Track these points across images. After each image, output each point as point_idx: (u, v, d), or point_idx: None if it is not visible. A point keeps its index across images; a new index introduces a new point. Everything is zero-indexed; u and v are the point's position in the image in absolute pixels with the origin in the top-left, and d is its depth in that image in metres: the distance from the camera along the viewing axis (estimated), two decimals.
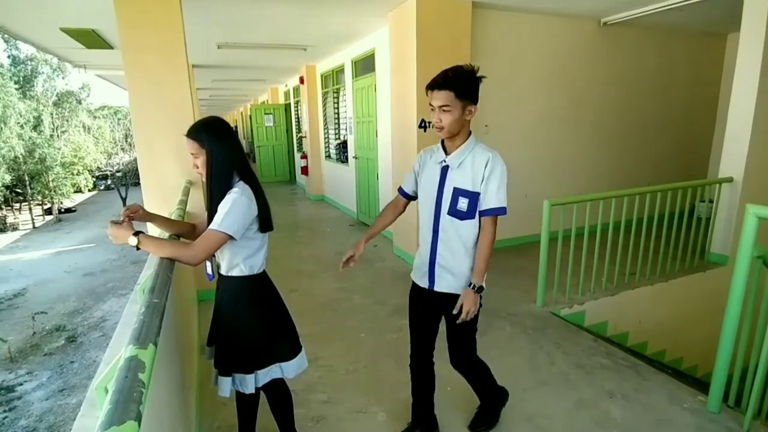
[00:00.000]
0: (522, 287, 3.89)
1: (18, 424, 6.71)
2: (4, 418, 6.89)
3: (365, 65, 5.93)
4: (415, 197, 1.92)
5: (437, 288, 1.80)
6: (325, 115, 8.31)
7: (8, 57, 24.00)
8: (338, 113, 7.54)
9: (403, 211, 2.01)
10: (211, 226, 1.49)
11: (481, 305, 1.76)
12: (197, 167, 1.59)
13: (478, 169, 1.65)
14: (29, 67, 24.22)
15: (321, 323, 3.39)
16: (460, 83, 1.57)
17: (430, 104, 1.62)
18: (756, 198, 3.77)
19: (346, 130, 7.10)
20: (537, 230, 3.58)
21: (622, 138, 5.69)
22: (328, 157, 8.33)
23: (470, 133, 1.71)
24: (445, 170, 1.72)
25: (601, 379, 2.58)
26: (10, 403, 7.25)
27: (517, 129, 4.95)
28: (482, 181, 1.65)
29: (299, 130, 10.29)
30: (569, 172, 5.39)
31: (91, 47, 5.21)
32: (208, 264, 1.65)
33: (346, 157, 7.12)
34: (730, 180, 3.89)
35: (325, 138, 8.47)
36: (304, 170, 9.17)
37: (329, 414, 2.32)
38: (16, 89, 21.88)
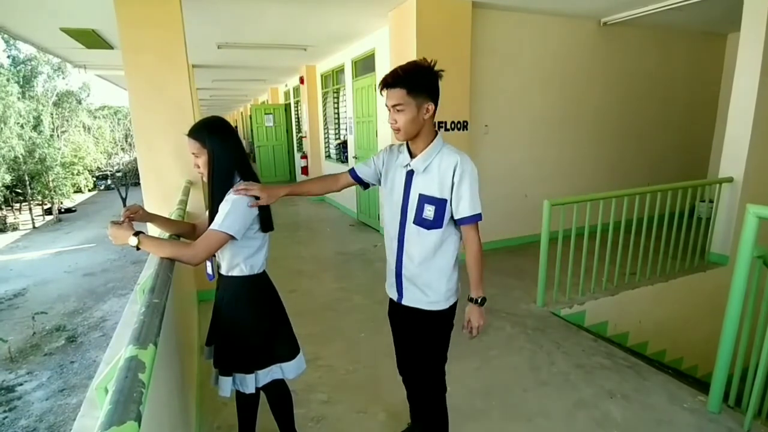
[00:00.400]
0: (522, 287, 3.89)
1: (18, 424, 6.71)
2: (4, 419, 6.89)
3: (365, 65, 5.93)
4: (365, 185, 1.79)
5: (404, 302, 1.68)
6: (325, 115, 8.31)
7: (8, 57, 24.01)
8: (338, 113, 7.53)
9: (338, 191, 1.83)
10: (212, 226, 1.49)
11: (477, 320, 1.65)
12: (198, 167, 1.59)
13: (446, 174, 1.51)
14: (29, 67, 24.22)
15: (321, 323, 3.38)
16: (412, 80, 1.45)
17: (386, 104, 1.51)
18: (756, 198, 3.77)
19: (346, 130, 7.10)
20: (537, 230, 3.58)
21: (622, 138, 5.69)
22: (328, 157, 8.33)
23: (436, 133, 1.57)
24: (410, 175, 1.58)
25: (601, 379, 2.58)
26: (10, 403, 7.25)
27: (516, 129, 4.95)
28: (452, 187, 1.51)
29: (299, 130, 10.29)
30: (569, 171, 5.39)
31: (91, 47, 5.21)
32: (209, 264, 1.65)
33: (346, 157, 7.12)
34: (730, 180, 3.89)
35: (325, 138, 8.47)
36: (305, 170, 9.17)
37: (329, 414, 2.32)
38: (18, 89, 21.89)
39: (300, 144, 10.09)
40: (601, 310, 3.59)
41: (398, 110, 1.48)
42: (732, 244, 3.93)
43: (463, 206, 1.52)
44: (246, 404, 1.89)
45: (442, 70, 1.49)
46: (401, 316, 1.74)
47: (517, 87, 4.85)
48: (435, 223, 1.55)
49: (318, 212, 7.83)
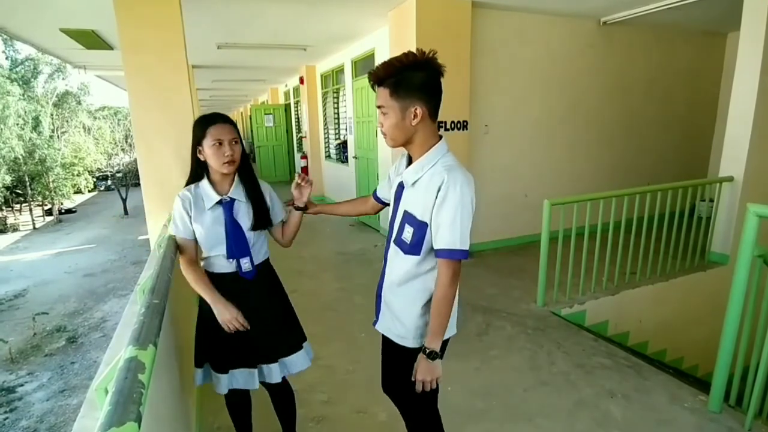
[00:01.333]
0: (522, 287, 3.89)
1: (19, 425, 6.72)
2: (5, 419, 6.89)
3: (365, 65, 5.93)
4: (386, 204, 1.63)
5: (378, 327, 1.50)
6: (325, 115, 8.31)
7: (7, 59, 24.02)
8: (338, 113, 7.54)
9: (371, 213, 1.72)
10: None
11: (437, 386, 1.37)
12: (232, 154, 1.55)
13: (431, 193, 1.24)
14: (28, 68, 24.22)
15: (321, 323, 3.38)
16: (393, 78, 1.22)
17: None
18: (756, 197, 3.77)
19: (346, 130, 7.10)
20: (537, 230, 3.58)
21: (621, 137, 5.69)
22: (328, 157, 8.34)
23: (437, 140, 1.31)
24: (401, 187, 1.38)
25: (601, 378, 2.58)
26: (10, 404, 7.26)
27: (516, 128, 4.95)
28: (432, 209, 1.25)
29: (299, 131, 10.29)
30: (569, 171, 5.39)
31: (90, 48, 5.21)
32: (246, 260, 1.62)
33: (346, 157, 7.12)
34: (730, 179, 3.89)
35: (325, 138, 8.47)
36: (305, 170, 9.17)
37: (330, 414, 2.32)
38: (18, 90, 21.90)
39: (300, 144, 10.10)
40: (601, 310, 3.59)
41: (382, 112, 1.27)
42: (732, 244, 3.93)
43: (440, 236, 1.25)
44: (245, 403, 1.91)
45: (443, 66, 1.25)
46: (382, 339, 1.54)
47: (517, 86, 4.85)
48: (413, 248, 1.32)
49: None
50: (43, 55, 21.60)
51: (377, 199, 1.66)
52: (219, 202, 1.59)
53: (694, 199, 3.92)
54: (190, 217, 1.58)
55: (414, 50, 1.22)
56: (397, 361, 1.45)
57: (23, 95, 22.40)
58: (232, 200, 1.61)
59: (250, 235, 1.62)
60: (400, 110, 1.24)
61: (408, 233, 1.32)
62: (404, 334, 1.41)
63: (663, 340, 3.93)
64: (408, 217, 1.33)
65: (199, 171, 1.62)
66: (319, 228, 6.70)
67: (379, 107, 1.28)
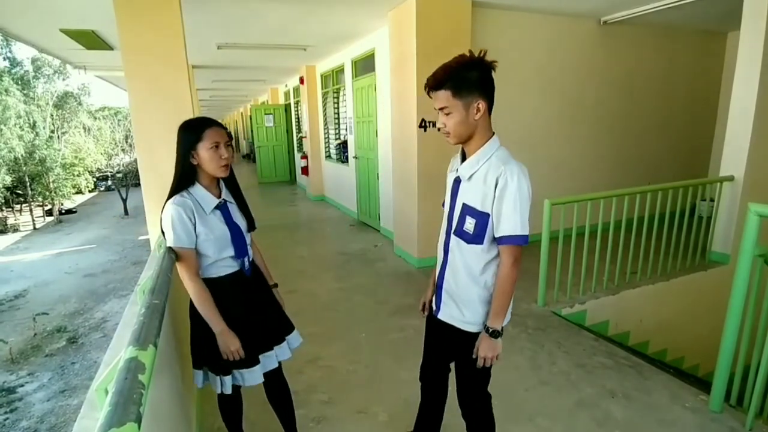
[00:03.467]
0: (523, 287, 3.87)
1: (19, 425, 6.72)
2: (5, 420, 6.89)
3: (365, 65, 5.93)
4: None
5: (440, 316, 1.58)
6: (325, 115, 8.31)
7: (4, 59, 24.01)
8: (338, 113, 7.53)
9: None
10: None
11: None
12: (228, 157, 1.60)
13: (490, 185, 1.36)
14: (27, 69, 24.23)
15: (322, 323, 3.38)
16: (455, 79, 1.31)
17: (433, 107, 1.40)
18: (757, 196, 3.77)
19: (346, 130, 7.10)
20: (538, 230, 3.57)
21: (622, 137, 5.68)
22: (329, 157, 8.33)
23: (491, 135, 1.41)
24: (457, 182, 1.48)
25: (602, 378, 2.58)
26: (11, 405, 7.26)
27: (517, 128, 4.95)
28: (493, 200, 1.36)
29: (299, 131, 10.29)
30: (569, 171, 5.39)
31: (90, 48, 5.21)
32: (247, 259, 1.71)
33: (347, 157, 7.12)
34: (731, 179, 3.88)
35: (325, 138, 8.47)
36: (305, 170, 9.17)
37: (330, 414, 2.32)
38: (18, 90, 21.91)
39: (300, 144, 10.09)
40: (602, 310, 3.59)
41: (445, 113, 1.36)
42: (733, 243, 3.93)
43: (502, 222, 1.36)
44: (238, 402, 1.93)
45: (495, 62, 1.33)
46: (436, 328, 1.65)
47: (517, 86, 4.84)
48: (475, 238, 1.42)
49: (318, 212, 7.83)
50: (43, 56, 21.60)
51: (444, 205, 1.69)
52: (216, 206, 1.60)
53: (694, 199, 3.92)
54: (194, 223, 1.53)
55: (466, 53, 1.33)
56: (458, 349, 1.56)
57: (26, 96, 22.41)
58: (226, 202, 1.66)
59: (247, 235, 1.71)
60: (464, 107, 1.33)
61: (470, 224, 1.42)
62: (472, 321, 1.50)
63: (664, 340, 3.92)
64: (468, 209, 1.42)
65: (190, 176, 1.58)
66: (319, 228, 6.70)
67: (440, 109, 1.36)
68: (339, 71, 7.06)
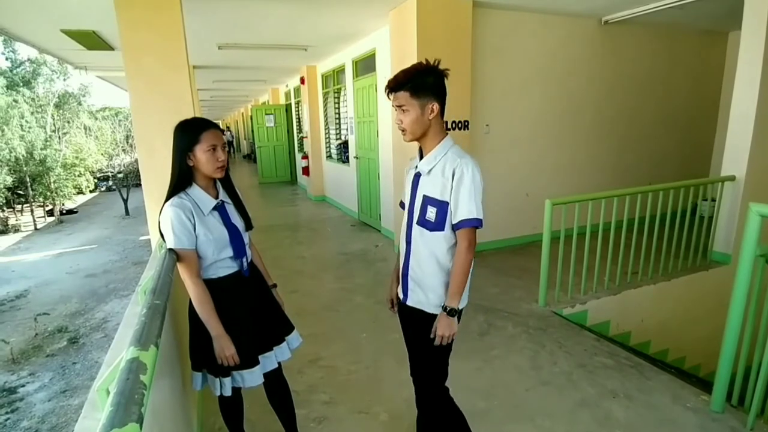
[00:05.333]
0: (524, 287, 3.88)
1: (20, 426, 6.72)
2: (6, 420, 6.89)
3: (366, 65, 5.93)
4: None
5: (409, 302, 1.69)
6: (326, 115, 8.31)
7: (6, 60, 24.04)
8: (339, 113, 7.53)
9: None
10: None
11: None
12: (224, 159, 1.62)
13: (448, 176, 1.52)
14: (27, 70, 24.25)
15: (322, 324, 3.38)
16: (414, 82, 1.47)
17: (392, 105, 1.55)
18: (758, 196, 3.76)
19: (347, 130, 7.10)
20: (538, 230, 3.58)
21: (623, 137, 5.68)
22: (329, 157, 8.33)
23: (445, 135, 1.58)
24: (417, 177, 1.62)
25: (603, 378, 2.58)
26: (12, 405, 7.26)
27: (518, 128, 4.95)
28: (451, 189, 1.51)
29: (300, 131, 10.29)
30: (570, 171, 5.38)
31: (91, 49, 5.22)
32: (245, 259, 1.71)
33: (347, 158, 7.12)
34: (732, 178, 3.88)
35: (326, 138, 8.47)
36: (305, 170, 9.16)
37: (331, 415, 2.32)
38: (18, 90, 21.94)
39: (301, 144, 10.10)
40: (603, 310, 3.59)
41: (403, 111, 1.51)
42: (734, 243, 3.92)
43: (458, 208, 1.51)
44: (239, 402, 1.92)
45: (447, 69, 1.50)
46: (406, 317, 1.74)
47: (518, 86, 4.84)
48: (437, 226, 1.56)
49: (319, 212, 7.83)
50: (42, 56, 21.62)
51: (402, 206, 1.78)
52: (215, 207, 1.61)
53: (695, 199, 3.91)
54: (194, 224, 1.54)
55: (423, 61, 1.49)
56: (424, 331, 1.61)
57: (32, 96, 22.43)
58: (224, 203, 1.66)
59: (245, 235, 1.72)
60: (420, 107, 1.49)
61: (431, 213, 1.56)
62: (437, 303, 1.61)
63: (665, 340, 3.92)
64: (428, 200, 1.56)
65: (187, 177, 1.58)
66: (319, 228, 6.70)
67: (399, 107, 1.51)
68: (340, 71, 7.06)
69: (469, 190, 1.49)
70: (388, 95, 1.53)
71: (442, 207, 1.54)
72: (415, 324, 1.69)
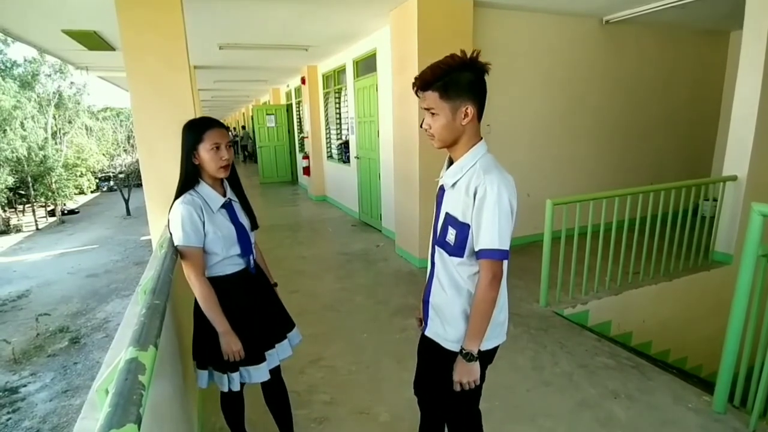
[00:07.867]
0: (525, 287, 3.87)
1: (22, 426, 6.73)
2: (8, 420, 6.90)
3: (367, 65, 5.93)
4: None
5: (427, 332, 1.46)
6: (326, 115, 8.31)
7: (6, 59, 24.07)
8: (340, 113, 7.53)
9: None
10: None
11: (483, 378, 1.38)
12: (228, 158, 1.62)
13: (471, 195, 1.26)
14: (27, 71, 24.29)
15: (323, 324, 3.38)
16: (443, 78, 1.21)
17: (420, 106, 1.31)
18: (760, 196, 3.75)
19: (347, 130, 7.10)
20: (539, 230, 3.57)
21: (624, 136, 5.66)
22: (330, 157, 8.33)
23: (477, 141, 1.32)
24: (442, 190, 1.37)
25: (604, 379, 2.57)
26: (13, 405, 7.27)
27: (519, 128, 4.94)
28: (472, 210, 1.26)
29: (301, 131, 10.29)
30: (571, 171, 5.37)
31: (92, 49, 5.22)
32: (252, 257, 1.73)
33: (348, 158, 7.11)
34: (734, 178, 3.87)
35: (326, 138, 8.47)
36: (306, 170, 9.17)
37: (332, 415, 2.32)
38: (18, 91, 21.99)
39: (302, 144, 10.10)
40: (604, 310, 3.58)
41: (431, 114, 1.27)
42: (736, 243, 3.91)
43: (480, 235, 1.25)
44: (240, 400, 1.93)
45: (489, 64, 1.26)
46: (424, 347, 1.53)
47: (520, 86, 4.83)
48: (456, 250, 1.31)
49: (319, 212, 7.83)
50: (43, 57, 21.66)
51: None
52: (223, 204, 1.62)
53: (697, 199, 3.90)
54: (203, 222, 1.55)
55: (458, 53, 1.23)
56: (443, 366, 1.40)
57: (29, 97, 22.48)
58: (231, 201, 1.68)
59: (251, 234, 1.74)
60: (451, 111, 1.24)
61: (451, 235, 1.31)
62: (454, 338, 1.37)
63: (666, 340, 3.91)
64: (450, 219, 1.32)
65: (194, 176, 1.61)
66: (320, 228, 6.70)
67: (427, 109, 1.26)
68: (340, 71, 7.06)
69: (492, 213, 1.22)
70: (416, 94, 1.28)
71: (463, 230, 1.28)
72: (430, 358, 1.48)
